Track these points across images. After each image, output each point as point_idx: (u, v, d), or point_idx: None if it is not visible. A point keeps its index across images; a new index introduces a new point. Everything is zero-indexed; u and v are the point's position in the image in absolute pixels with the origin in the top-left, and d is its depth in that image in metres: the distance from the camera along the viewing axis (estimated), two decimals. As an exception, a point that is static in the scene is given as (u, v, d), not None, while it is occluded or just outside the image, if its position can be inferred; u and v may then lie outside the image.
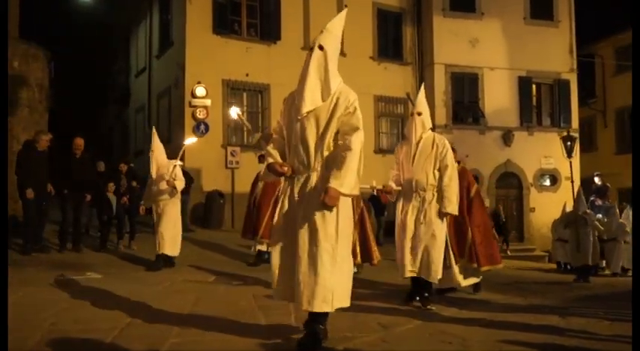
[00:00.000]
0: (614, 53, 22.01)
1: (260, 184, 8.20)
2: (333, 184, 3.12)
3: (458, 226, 5.83)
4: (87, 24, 20.86)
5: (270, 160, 3.37)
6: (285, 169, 3.30)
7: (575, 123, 18.38)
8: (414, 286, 5.10)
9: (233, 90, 14.63)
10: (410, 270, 4.96)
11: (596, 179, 14.50)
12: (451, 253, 5.78)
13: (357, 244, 6.99)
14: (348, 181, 3.13)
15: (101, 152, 16.20)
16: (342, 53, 17.87)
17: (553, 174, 18.05)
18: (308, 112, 3.25)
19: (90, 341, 3.47)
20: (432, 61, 17.13)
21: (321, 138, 3.25)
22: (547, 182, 18.21)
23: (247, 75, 14.56)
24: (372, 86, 15.95)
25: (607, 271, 10.98)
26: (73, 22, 21.33)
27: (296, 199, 3.28)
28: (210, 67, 14.13)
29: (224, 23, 14.65)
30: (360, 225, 7.13)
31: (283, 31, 15.02)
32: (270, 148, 3.43)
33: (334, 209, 3.19)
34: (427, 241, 4.92)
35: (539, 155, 17.80)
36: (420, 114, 5.10)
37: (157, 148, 7.54)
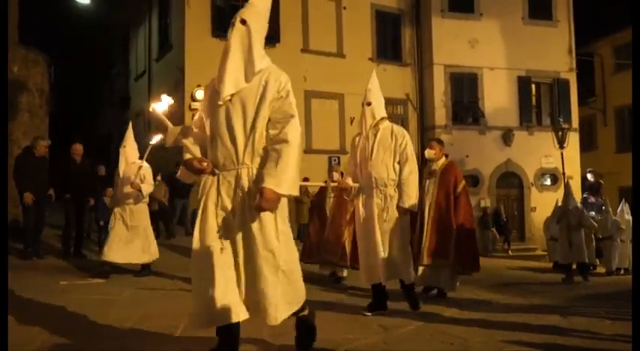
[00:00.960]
0: (613, 52, 22.04)
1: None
2: (269, 183, 2.64)
3: (442, 225, 5.58)
4: (86, 28, 20.90)
5: (187, 156, 2.90)
6: (205, 165, 2.81)
7: (575, 122, 18.38)
8: (377, 294, 4.69)
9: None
10: (376, 276, 4.58)
11: (589, 175, 13.92)
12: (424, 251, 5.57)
13: (347, 245, 6.71)
14: (286, 180, 2.66)
15: (101, 156, 16.21)
16: (341, 55, 17.91)
17: (554, 173, 18.04)
18: (232, 96, 2.80)
19: (91, 346, 3.47)
20: (432, 61, 17.14)
21: (251, 127, 2.78)
22: (548, 181, 18.21)
23: (247, 78, 14.57)
24: (371, 87, 15.93)
25: (600, 270, 10.63)
26: (72, 27, 21.37)
27: (224, 201, 2.81)
28: (210, 70, 13.82)
29: (223, 26, 14.54)
30: (352, 225, 6.85)
31: (282, 34, 15.03)
32: (189, 142, 2.95)
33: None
34: (392, 240, 4.56)
35: (540, 155, 17.81)
36: (369, 104, 4.72)
37: (129, 145, 7.00)
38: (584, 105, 20.86)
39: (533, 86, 18.18)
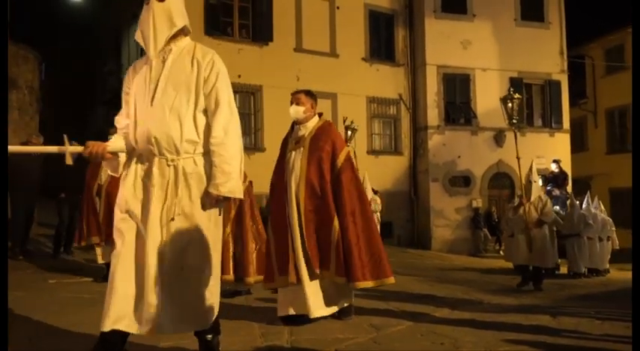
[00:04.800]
0: (604, 54, 22.19)
1: (108, 170, 6.14)
2: None
3: (316, 217, 3.81)
4: (77, 24, 20.79)
5: None
6: None
7: (566, 123, 18.51)
8: None
9: (225, 91, 14.60)
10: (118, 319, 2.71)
11: (553, 166, 12.29)
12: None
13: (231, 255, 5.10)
14: None
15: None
16: (335, 54, 17.92)
17: (545, 174, 18.13)
18: None
19: (82, 345, 3.44)
20: (424, 62, 17.18)
21: None
22: (539, 182, 18.28)
23: (239, 76, 14.52)
24: (364, 88, 15.99)
25: (563, 271, 9.49)
26: (63, 23, 21.24)
27: None
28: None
29: (216, 25, 14.62)
30: (236, 224, 5.10)
31: (275, 33, 15.01)
32: None
33: None
34: (182, 253, 2.57)
35: (531, 155, 17.84)
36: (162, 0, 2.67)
37: None
38: (575, 106, 20.99)
39: (524, 87, 18.26)
